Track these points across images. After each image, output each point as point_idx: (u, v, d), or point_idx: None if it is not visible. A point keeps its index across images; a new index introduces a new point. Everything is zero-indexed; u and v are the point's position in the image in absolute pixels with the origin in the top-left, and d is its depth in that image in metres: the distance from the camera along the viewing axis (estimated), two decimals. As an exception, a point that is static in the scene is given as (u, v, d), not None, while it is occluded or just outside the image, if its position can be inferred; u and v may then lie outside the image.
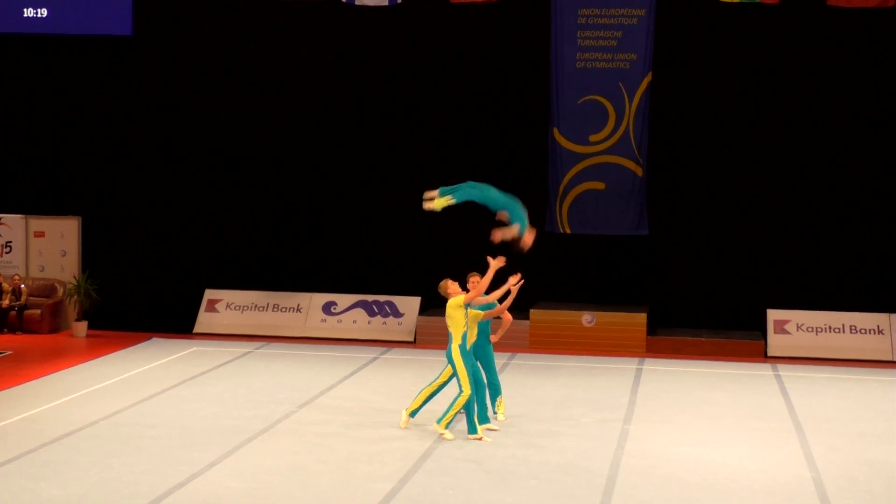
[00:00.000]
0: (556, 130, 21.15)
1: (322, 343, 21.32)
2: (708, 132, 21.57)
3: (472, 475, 12.41)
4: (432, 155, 22.38)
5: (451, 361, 13.81)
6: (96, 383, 17.07)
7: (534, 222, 21.79)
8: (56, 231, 23.01)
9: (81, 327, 21.73)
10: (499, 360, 15.96)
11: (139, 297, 22.94)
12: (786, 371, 19.05)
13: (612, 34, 20.86)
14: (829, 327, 20.73)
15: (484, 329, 14.53)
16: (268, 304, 22.36)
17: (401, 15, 22.13)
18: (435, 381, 14.34)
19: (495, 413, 14.85)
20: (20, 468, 12.44)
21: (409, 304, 22.01)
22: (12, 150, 23.49)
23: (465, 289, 14.38)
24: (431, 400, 14.42)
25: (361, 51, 22.47)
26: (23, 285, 22.15)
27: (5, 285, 22.03)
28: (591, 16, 20.94)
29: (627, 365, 19.32)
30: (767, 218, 21.50)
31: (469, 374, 13.75)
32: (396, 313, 21.93)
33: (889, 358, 20.27)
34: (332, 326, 22.02)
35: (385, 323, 21.85)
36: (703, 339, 20.84)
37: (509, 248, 22.09)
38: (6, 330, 21.84)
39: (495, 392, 14.79)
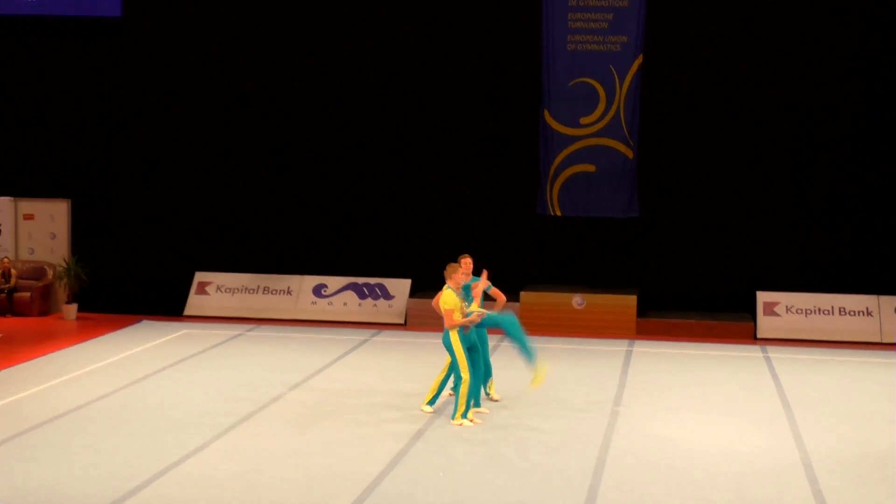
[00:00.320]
0: (546, 113, 21.12)
1: (312, 325, 21.31)
2: (698, 115, 21.56)
3: (463, 457, 12.43)
4: (423, 137, 22.34)
5: (448, 348, 13.79)
6: (86, 366, 17.05)
7: (524, 204, 21.90)
8: (46, 214, 22.96)
9: (71, 310, 21.69)
10: (489, 341, 15.94)
11: (129, 280, 22.90)
12: (775, 353, 19.09)
13: (603, 16, 20.83)
14: (819, 309, 20.77)
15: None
16: (258, 287, 22.34)
17: (391, -4, 22.14)
18: (443, 367, 14.38)
19: (487, 394, 14.88)
20: (9, 451, 12.43)
21: (400, 287, 22.00)
22: (1, 132, 23.40)
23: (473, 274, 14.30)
24: (446, 385, 14.48)
25: (351, 31, 22.40)
26: (12, 268, 22.10)
27: (-5, 268, 22.01)
28: (581, -2, 20.94)
29: (617, 347, 19.34)
30: (757, 200, 21.51)
31: (468, 360, 13.73)
32: (387, 296, 21.92)
33: (877, 340, 20.32)
34: (322, 309, 22.01)
35: (376, 305, 21.84)
36: (692, 321, 20.87)
37: (498, 239, 22.10)
38: (-4, 312, 21.83)
39: (487, 374, 14.81)
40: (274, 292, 22.27)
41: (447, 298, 13.71)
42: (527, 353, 13.86)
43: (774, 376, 17.11)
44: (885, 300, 20.70)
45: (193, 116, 22.89)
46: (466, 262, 14.28)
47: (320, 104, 22.60)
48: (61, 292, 22.18)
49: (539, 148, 21.29)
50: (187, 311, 22.20)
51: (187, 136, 22.95)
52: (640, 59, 20.79)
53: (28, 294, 21.91)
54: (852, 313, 20.65)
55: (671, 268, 21.87)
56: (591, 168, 21.11)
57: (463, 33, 22.12)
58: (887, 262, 21.05)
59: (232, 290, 22.36)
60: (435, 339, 19.26)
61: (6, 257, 22.34)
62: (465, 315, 13.71)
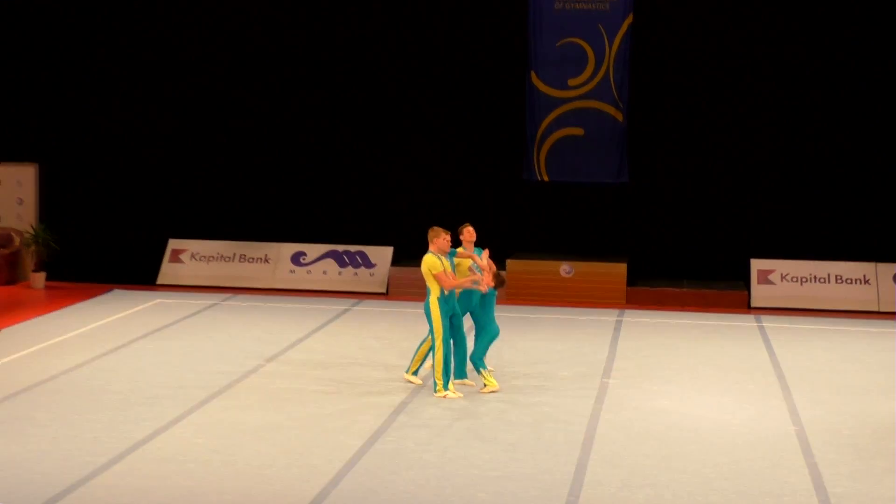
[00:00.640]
0: (533, 74, 21.06)
1: (291, 295, 21.28)
2: (691, 77, 21.50)
3: (447, 431, 12.44)
4: (406, 100, 22.25)
5: (427, 314, 13.79)
6: (55, 336, 17.00)
7: (510, 169, 21.86)
8: (12, 178, 22.82)
9: (39, 278, 21.61)
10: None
11: (100, 247, 22.80)
12: (769, 322, 19.14)
13: (592, -26, 20.79)
14: (814, 277, 20.82)
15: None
16: (234, 255, 22.28)
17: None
18: (427, 337, 14.33)
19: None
20: (-23, 425, 12.41)
21: (382, 255, 21.96)
22: (-35, 93, 23.27)
23: (458, 243, 14.24)
24: (429, 356, 14.46)
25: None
26: (-22, 235, 22.02)
27: (-40, 235, 21.91)
28: (570, -46, 20.85)
29: (607, 317, 19.37)
30: (751, 165, 21.51)
31: (445, 328, 13.72)
32: (368, 264, 21.89)
33: (875, 308, 20.39)
34: (301, 277, 21.97)
35: (356, 274, 21.81)
36: (684, 290, 20.90)
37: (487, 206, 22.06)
38: (-39, 281, 21.74)
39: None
40: (250, 260, 22.21)
41: (432, 263, 13.69)
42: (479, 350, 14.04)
43: (769, 346, 17.16)
44: (883, 267, 20.76)
45: (167, 77, 22.74)
46: (469, 231, 14.27)
47: (297, 65, 22.47)
48: (28, 260, 22.08)
49: (525, 111, 21.25)
50: (160, 280, 22.14)
51: (160, 98, 22.80)
52: (630, 19, 20.74)
53: (-6, 262, 21.83)
54: (849, 281, 20.70)
55: (662, 235, 21.88)
56: (579, 132, 21.08)
57: (446, -9, 22.04)
58: (885, 229, 21.08)
59: (207, 258, 22.29)
60: (418, 309, 19.25)
61: (-29, 224, 22.26)
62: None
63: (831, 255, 21.09)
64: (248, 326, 18.02)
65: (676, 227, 21.82)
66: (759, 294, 20.76)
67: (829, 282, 20.75)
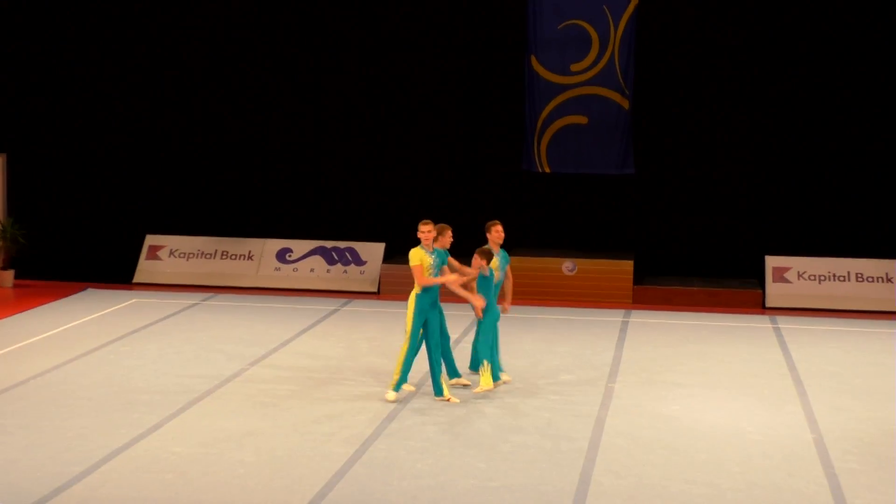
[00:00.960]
0: (533, 59, 21.05)
1: (276, 294, 21.27)
2: (701, 61, 21.50)
3: (441, 439, 12.42)
4: (398, 87, 22.23)
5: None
6: (24, 339, 16.97)
7: (509, 160, 21.85)
8: (-21, 170, 22.85)
9: (7, 276, 21.59)
10: (468, 313, 15.96)
11: (72, 243, 22.80)
12: (785, 323, 19.14)
13: (596, -48, 20.78)
14: (833, 275, 20.82)
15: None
16: (216, 251, 22.27)
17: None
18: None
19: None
20: (-59, 433, 12.39)
21: (373, 251, 21.95)
22: (-71, 79, 23.24)
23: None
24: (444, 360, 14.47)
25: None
26: (-58, 230, 21.98)
27: (-77, 230, 21.87)
28: (572, -69, 20.84)
29: (612, 317, 19.36)
30: (766, 155, 21.50)
31: (415, 326, 13.70)
32: (358, 261, 21.88)
33: (897, 308, 20.42)
34: (287, 275, 21.96)
35: (346, 272, 21.80)
36: (695, 289, 20.90)
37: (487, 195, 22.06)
38: (-76, 280, 21.71)
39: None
40: (233, 257, 22.20)
41: (412, 255, 13.75)
42: (483, 353, 14.06)
43: (784, 349, 17.16)
44: (906, 265, 20.80)
45: (143, 64, 22.72)
46: (497, 230, 14.35)
47: (284, 53, 22.45)
48: (-3, 257, 22.09)
49: (525, 98, 21.23)
50: (137, 278, 22.13)
51: (137, 85, 22.78)
52: (636, 0, 20.72)
53: (-40, 259, 21.80)
54: (870, 279, 20.71)
55: (671, 230, 21.88)
56: (582, 120, 21.07)
57: (441, -30, 22.04)
58: (908, 224, 21.13)
59: (186, 255, 22.28)
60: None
61: (-65, 219, 22.23)
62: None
63: (851, 251, 21.10)
64: (231, 328, 18.00)
65: (686, 221, 21.82)
66: (775, 293, 20.75)
67: (848, 280, 20.76)
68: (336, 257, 21.99)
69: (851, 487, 11.16)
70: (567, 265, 21.11)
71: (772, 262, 21.09)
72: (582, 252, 21.55)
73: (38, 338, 17.07)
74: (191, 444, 12.10)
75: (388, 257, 21.85)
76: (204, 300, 20.32)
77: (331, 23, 22.30)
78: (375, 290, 21.51)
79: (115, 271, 22.18)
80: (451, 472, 11.39)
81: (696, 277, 21.58)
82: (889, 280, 20.64)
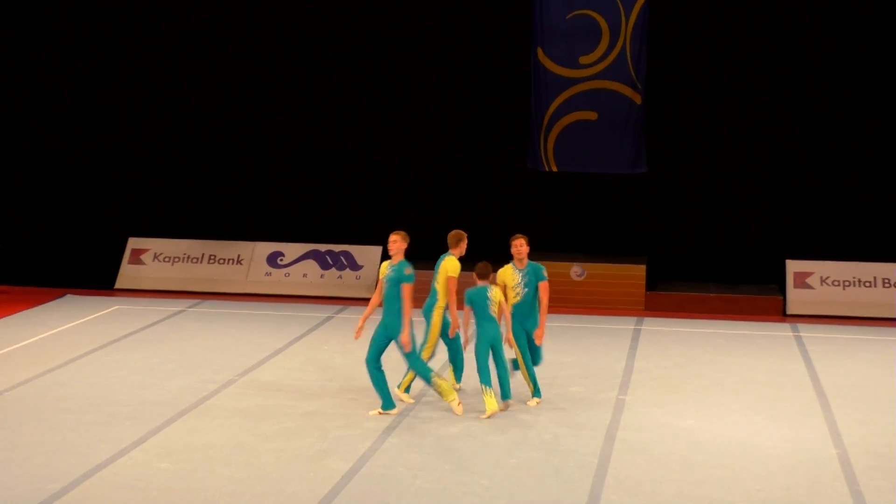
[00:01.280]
0: (540, 51, 21.05)
1: (267, 300, 21.28)
2: (717, 54, 21.49)
3: (443, 454, 12.42)
4: (394, 80, 22.23)
5: (427, 317, 14.05)
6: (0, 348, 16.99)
7: (513, 158, 21.85)
8: (-49, 169, 22.88)
9: (-18, 282, 21.64)
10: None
11: (50, 247, 22.79)
12: (807, 331, 19.13)
13: (606, -62, 20.80)
14: (858, 281, 20.82)
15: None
16: (203, 255, 22.28)
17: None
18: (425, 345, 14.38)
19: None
20: (-89, 448, 12.40)
21: (369, 255, 21.96)
22: None
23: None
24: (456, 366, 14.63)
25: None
26: (-87, 233, 22.01)
27: None
28: (581, -84, 20.87)
29: (623, 325, 19.36)
30: (786, 154, 21.49)
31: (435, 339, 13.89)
32: (354, 265, 21.89)
33: (926, 316, 20.42)
34: (278, 281, 21.97)
35: (341, 277, 21.81)
36: (711, 295, 20.91)
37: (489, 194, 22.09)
38: None
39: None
40: (221, 261, 22.21)
41: (454, 266, 14.03)
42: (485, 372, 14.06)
43: (806, 359, 17.16)
44: (935, 270, 20.81)
45: (128, 55, 22.73)
46: (519, 244, 14.34)
47: (276, 42, 22.46)
48: (-30, 262, 22.11)
49: (531, 93, 21.22)
50: (119, 284, 22.13)
51: (120, 79, 22.79)
52: (650, -12, 20.78)
53: (-69, 264, 21.82)
54: (896, 285, 20.76)
55: (685, 232, 21.88)
56: (591, 116, 21.07)
57: (442, -43, 22.05)
58: (937, 226, 21.14)
59: (171, 259, 22.29)
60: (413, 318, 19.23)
61: None
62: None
63: (877, 255, 21.09)
64: (218, 336, 18.00)
65: (701, 223, 21.82)
66: (796, 299, 20.76)
67: (874, 286, 20.76)
68: (330, 261, 22.00)
69: (877, 506, 11.19)
70: (575, 270, 21.12)
71: (793, 266, 21.08)
72: (591, 256, 21.55)
73: (13, 347, 17.07)
74: (176, 460, 12.10)
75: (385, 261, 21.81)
76: (190, 307, 20.33)
77: (326, 15, 22.30)
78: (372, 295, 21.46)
79: (96, 276, 22.18)
80: (453, 489, 11.39)
81: (712, 283, 21.58)
82: (917, 286, 20.68)
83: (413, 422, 13.57)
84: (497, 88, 22.00)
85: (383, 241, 21.69)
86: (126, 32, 22.67)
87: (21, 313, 19.58)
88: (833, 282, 20.88)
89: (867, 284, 20.78)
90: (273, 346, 17.36)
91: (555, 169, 21.28)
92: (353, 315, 19.89)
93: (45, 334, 17.95)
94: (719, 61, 21.50)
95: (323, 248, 22.14)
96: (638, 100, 20.91)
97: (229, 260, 22.22)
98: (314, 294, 21.65)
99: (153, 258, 22.34)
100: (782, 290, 21.00)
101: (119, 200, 22.92)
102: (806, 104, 21.33)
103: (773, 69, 21.32)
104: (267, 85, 22.56)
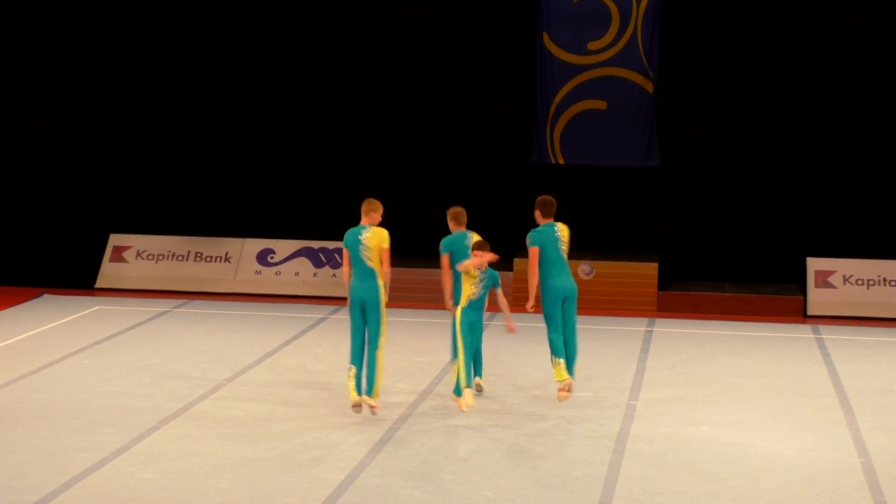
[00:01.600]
0: (546, 36, 21.06)
1: (257, 301, 21.29)
2: (735, 39, 21.48)
3: (442, 463, 12.43)
4: (392, 67, 22.23)
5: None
6: (-26, 351, 17.02)
7: (518, 150, 21.85)
8: (-78, 162, 22.89)
9: (-45, 282, 21.65)
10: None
11: (26, 244, 22.79)
12: (829, 333, 19.14)
13: (616, -84, 20.83)
14: (883, 279, 20.82)
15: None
16: (188, 253, 22.28)
17: None
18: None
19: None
20: None
21: (364, 253, 21.92)
22: None
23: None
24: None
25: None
26: None
27: None
28: None
29: (634, 326, 19.37)
30: (807, 145, 21.49)
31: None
32: (348, 264, 21.86)
33: (955, 317, 20.42)
34: (268, 280, 21.97)
35: (335, 275, 21.81)
36: (727, 295, 20.91)
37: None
38: None
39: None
40: (208, 259, 22.22)
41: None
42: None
43: (828, 362, 17.16)
44: (964, 268, 20.82)
45: (108, 43, 22.72)
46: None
47: (267, 26, 22.45)
48: (-58, 260, 22.12)
49: (536, 81, 21.24)
50: (100, 283, 22.14)
51: (101, 67, 22.79)
52: (662, -30, 20.80)
53: None
54: (924, 284, 20.77)
55: (700, 229, 21.89)
56: (601, 105, 21.09)
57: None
58: (967, 221, 21.14)
59: (156, 257, 22.29)
60: (410, 318, 19.28)
61: None
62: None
63: (903, 252, 21.14)
64: (205, 338, 18.01)
65: (717, 219, 21.83)
66: (817, 299, 20.76)
67: (900, 285, 20.80)
68: (324, 259, 22.00)
69: (903, 518, 11.20)
70: (583, 268, 21.12)
71: (814, 264, 21.09)
72: (600, 254, 21.55)
73: (-12, 350, 17.11)
74: (161, 469, 12.09)
75: (383, 259, 21.83)
76: (175, 308, 20.33)
77: (320, 3, 22.27)
78: (368, 296, 21.47)
79: (75, 275, 22.19)
80: (454, 501, 11.39)
81: (728, 282, 21.59)
82: (946, 285, 20.69)
83: (411, 429, 13.56)
84: (500, 76, 22.00)
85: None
86: (105, 23, 22.65)
87: (-4, 314, 19.63)
88: (857, 281, 20.89)
89: (893, 283, 20.79)
90: (263, 348, 17.36)
91: (561, 161, 21.29)
92: (348, 316, 19.86)
93: (21, 336, 17.94)
94: (736, 47, 21.49)
95: (316, 244, 22.14)
96: (650, 88, 20.92)
97: (217, 258, 22.23)
98: (307, 294, 21.65)
99: (136, 256, 22.34)
100: (803, 289, 21.01)
101: (100, 194, 22.91)
102: (829, 92, 21.32)
103: (795, 55, 21.30)
104: (257, 70, 22.56)
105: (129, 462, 12.33)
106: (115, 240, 22.53)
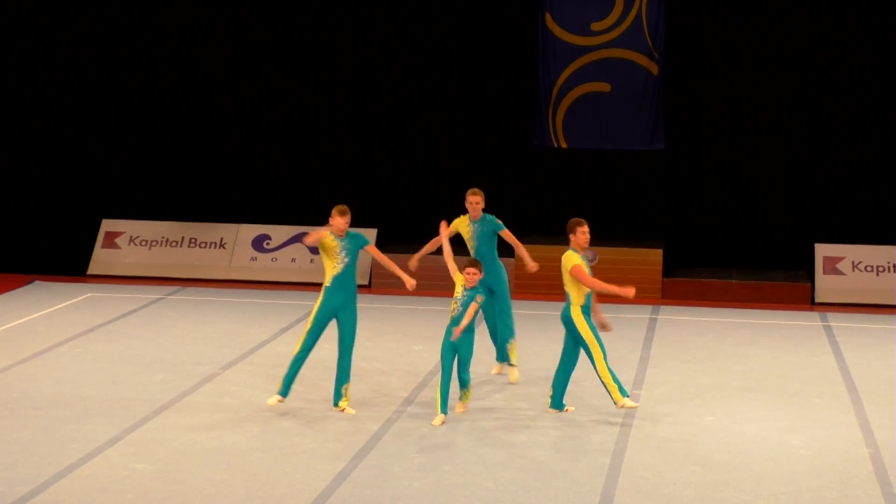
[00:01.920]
0: (548, 16, 21.04)
1: (252, 287, 21.29)
2: (742, 20, 21.45)
3: (442, 453, 12.44)
4: (390, 49, 22.21)
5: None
6: (-37, 339, 17.03)
7: (519, 134, 21.83)
8: None
9: (-56, 268, 21.65)
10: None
11: (17, 229, 22.78)
12: (838, 321, 19.15)
13: None
14: (893, 266, 20.82)
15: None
16: (182, 239, 22.28)
17: None
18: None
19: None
20: None
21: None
22: None
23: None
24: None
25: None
26: None
27: None
28: None
29: (638, 314, 19.37)
30: (815, 130, 21.47)
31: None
32: (346, 249, 21.86)
33: (966, 305, 20.43)
34: (264, 266, 21.97)
35: (331, 262, 21.79)
36: (733, 282, 20.92)
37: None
38: None
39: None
40: (203, 245, 22.21)
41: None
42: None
43: (837, 350, 17.17)
44: (976, 255, 20.81)
45: (99, 25, 22.69)
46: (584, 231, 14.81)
47: (263, 16, 22.40)
48: (-70, 246, 22.12)
49: (538, 62, 21.22)
50: (92, 270, 22.14)
51: (91, 51, 22.75)
52: (667, -52, 20.77)
53: None
54: (934, 271, 20.77)
55: (706, 214, 21.88)
56: (604, 87, 21.07)
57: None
58: (979, 207, 21.14)
59: (149, 243, 22.29)
60: (406, 305, 19.28)
61: None
62: None
63: (913, 238, 21.15)
64: (200, 326, 18.02)
65: (723, 204, 21.82)
66: (826, 286, 20.77)
67: (910, 271, 20.80)
68: (321, 245, 21.97)
69: (913, 510, 11.21)
70: (586, 254, 21.08)
71: (822, 250, 21.09)
72: (604, 240, 21.48)
73: (-22, 338, 17.13)
74: (154, 460, 12.11)
75: (381, 245, 21.82)
76: (169, 295, 20.33)
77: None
78: (366, 283, 21.50)
79: (67, 261, 22.19)
80: (453, 491, 11.40)
81: (734, 269, 21.58)
82: (957, 272, 20.69)
83: (410, 419, 13.57)
84: (502, 58, 21.97)
85: (378, 224, 21.81)
86: (97, 10, 22.60)
87: (-14, 301, 19.64)
88: (866, 267, 20.89)
89: (903, 270, 20.83)
90: (259, 336, 17.37)
91: (564, 145, 21.27)
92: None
93: (11, 324, 17.95)
94: (744, 29, 21.46)
95: (312, 230, 22.09)
96: (655, 70, 20.90)
97: (211, 244, 22.22)
98: (303, 280, 21.64)
99: (129, 242, 22.34)
100: (811, 276, 21.01)
101: (91, 179, 22.90)
102: (838, 75, 21.30)
103: (804, 37, 21.27)
104: (252, 57, 22.53)
105: (121, 453, 12.34)
106: (107, 225, 22.52)
